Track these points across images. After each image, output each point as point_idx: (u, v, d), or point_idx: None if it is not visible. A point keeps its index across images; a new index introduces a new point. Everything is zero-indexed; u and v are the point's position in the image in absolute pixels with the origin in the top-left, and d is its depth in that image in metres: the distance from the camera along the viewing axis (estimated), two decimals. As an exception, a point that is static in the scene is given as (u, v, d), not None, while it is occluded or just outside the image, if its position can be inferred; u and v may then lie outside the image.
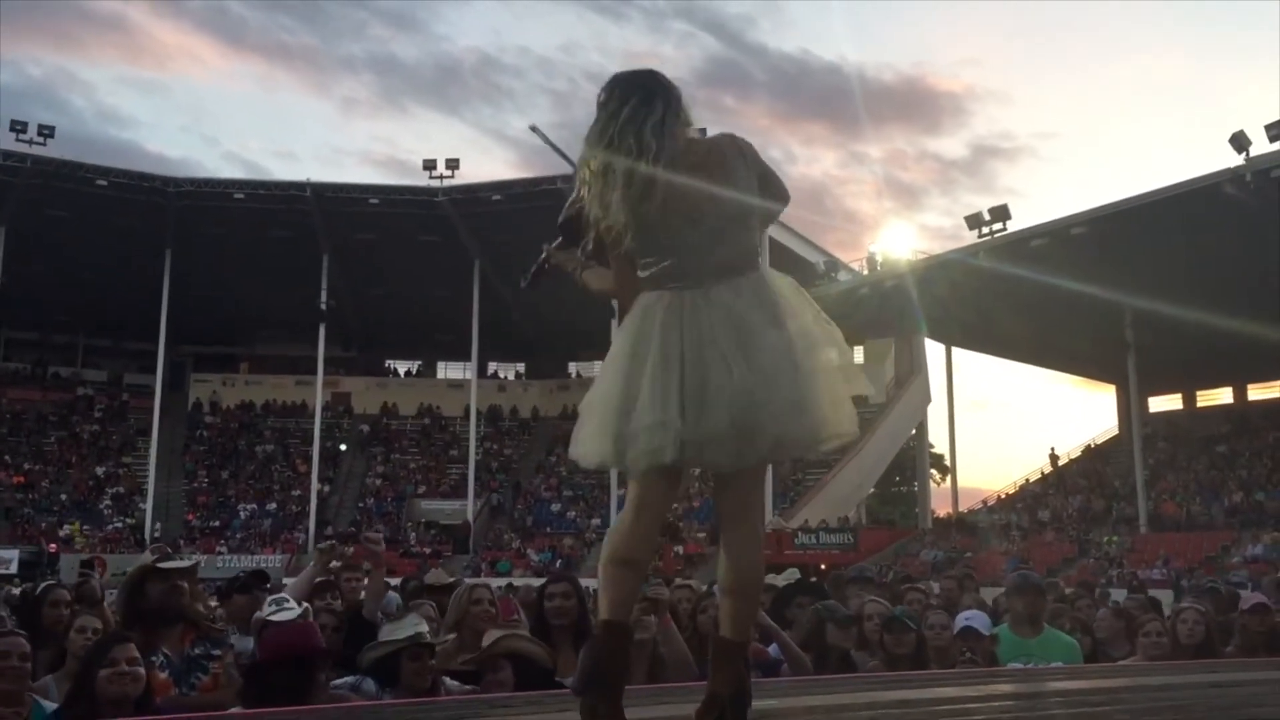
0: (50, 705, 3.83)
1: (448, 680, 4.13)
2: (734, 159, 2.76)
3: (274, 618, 3.88)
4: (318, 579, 5.38)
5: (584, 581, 5.63)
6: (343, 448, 49.48)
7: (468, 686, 4.18)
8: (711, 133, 2.92)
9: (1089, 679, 4.34)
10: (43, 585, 4.59)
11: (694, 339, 2.63)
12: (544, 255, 3.18)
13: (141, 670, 3.58)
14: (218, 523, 43.87)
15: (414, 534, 43.94)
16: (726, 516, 2.79)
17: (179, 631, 4.13)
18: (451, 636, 4.60)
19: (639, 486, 2.71)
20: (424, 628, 4.30)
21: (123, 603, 4.23)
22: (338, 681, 4.09)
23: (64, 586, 5.86)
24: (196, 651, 4.13)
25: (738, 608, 2.75)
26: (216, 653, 4.16)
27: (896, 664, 5.04)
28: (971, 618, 5.44)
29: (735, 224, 2.75)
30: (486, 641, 4.18)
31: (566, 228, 3.01)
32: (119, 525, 41.99)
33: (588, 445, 2.75)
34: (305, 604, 4.19)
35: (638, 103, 2.73)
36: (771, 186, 2.84)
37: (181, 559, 4.63)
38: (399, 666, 4.04)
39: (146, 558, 4.47)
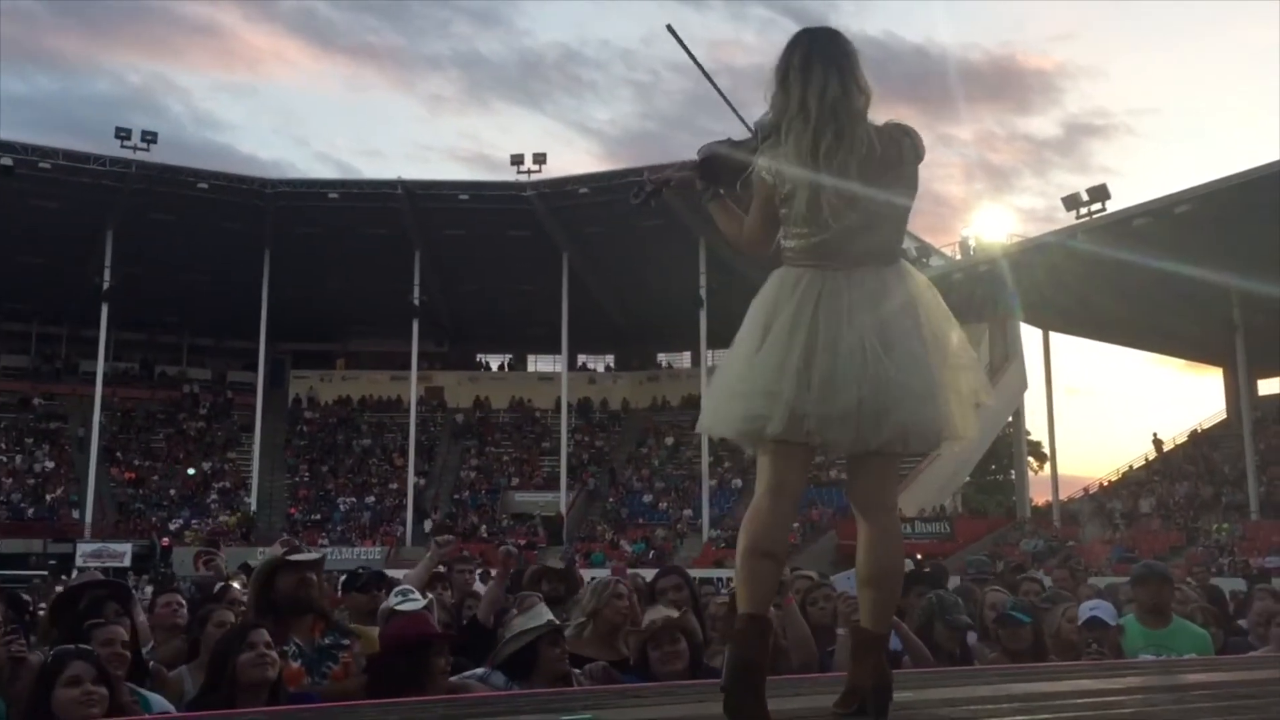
0: (156, 698, 3.88)
1: (577, 672, 4.13)
2: (909, 154, 2.77)
3: (401, 607, 3.92)
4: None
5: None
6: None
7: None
8: None
9: (1229, 671, 4.19)
10: (206, 608, 4.65)
11: (831, 317, 2.63)
12: (669, 175, 3.07)
13: (276, 655, 3.65)
14: (319, 516, 44.84)
15: (508, 525, 44.45)
16: (863, 506, 2.77)
17: (309, 622, 4.19)
18: (583, 620, 4.61)
19: (771, 465, 2.69)
20: (551, 616, 4.33)
21: (254, 594, 4.32)
22: (465, 674, 4.12)
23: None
24: (327, 641, 4.18)
25: (877, 598, 2.73)
26: (346, 643, 4.21)
27: (1017, 657, 4.93)
28: (1097, 607, 5.28)
29: (893, 217, 2.77)
30: (651, 618, 4.16)
31: (708, 165, 2.93)
32: (225, 519, 43.12)
33: (715, 417, 2.77)
34: (430, 595, 4.24)
35: (847, 66, 2.74)
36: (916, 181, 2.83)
37: (310, 551, 4.72)
38: (535, 656, 4.05)
39: (276, 550, 4.56)
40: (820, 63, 2.73)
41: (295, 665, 4.06)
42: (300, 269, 44.04)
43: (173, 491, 44.86)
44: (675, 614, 4.27)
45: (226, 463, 47.24)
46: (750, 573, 2.64)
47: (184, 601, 5.55)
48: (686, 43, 2.99)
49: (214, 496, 45.01)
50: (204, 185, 41.41)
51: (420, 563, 5.74)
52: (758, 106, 2.86)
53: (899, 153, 2.74)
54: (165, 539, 39.43)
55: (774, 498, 2.68)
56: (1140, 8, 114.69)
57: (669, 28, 2.97)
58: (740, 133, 2.95)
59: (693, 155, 2.96)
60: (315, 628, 4.23)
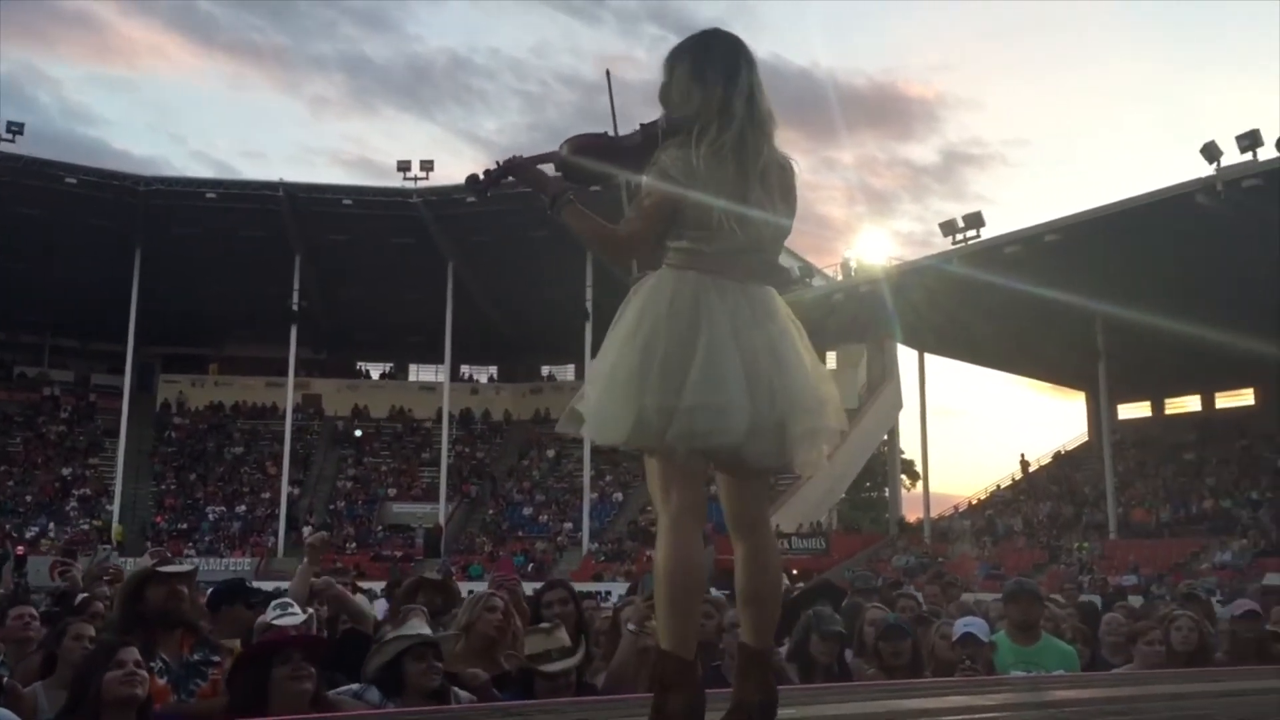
0: (7, 714, 3.58)
1: (458, 690, 4.05)
2: (796, 175, 2.78)
3: (278, 621, 3.79)
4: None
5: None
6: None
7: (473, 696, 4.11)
8: None
9: (1097, 688, 4.32)
10: (63, 622, 4.41)
11: (742, 328, 2.56)
12: (519, 162, 2.81)
13: (146, 673, 3.49)
14: (185, 525, 43.41)
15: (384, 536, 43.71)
16: (741, 524, 2.70)
17: (178, 637, 4.04)
18: (454, 634, 4.52)
19: (676, 475, 2.56)
20: (426, 629, 4.24)
21: (121, 607, 4.13)
22: (340, 690, 4.01)
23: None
24: (196, 657, 4.04)
25: (760, 614, 2.68)
26: (216, 659, 4.07)
27: (894, 673, 5.02)
28: (971, 624, 5.42)
29: (782, 238, 2.75)
30: (534, 649, 4.08)
31: (577, 155, 2.73)
32: (85, 527, 41.41)
33: (611, 422, 2.53)
34: (310, 610, 4.11)
35: (753, 74, 2.70)
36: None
37: (181, 563, 4.54)
38: (404, 670, 3.95)
39: (146, 562, 4.37)
40: (745, 69, 2.69)
41: (162, 682, 3.90)
42: (174, 270, 42.60)
43: (29, 497, 42.91)
44: (566, 640, 4.20)
45: (88, 469, 45.36)
46: (680, 610, 2.54)
47: (36, 614, 5.31)
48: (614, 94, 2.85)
49: (74, 504, 43.18)
50: (73, 180, 39.79)
51: (298, 571, 5.55)
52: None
53: (790, 178, 2.74)
54: (20, 547, 37.63)
55: (693, 519, 2.57)
56: (1014, 42, 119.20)
57: (608, 74, 2.86)
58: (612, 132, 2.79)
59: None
60: (184, 643, 4.08)
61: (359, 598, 5.62)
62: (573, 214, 2.68)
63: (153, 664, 3.85)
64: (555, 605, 4.84)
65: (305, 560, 5.45)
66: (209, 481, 46.35)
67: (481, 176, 2.85)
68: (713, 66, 2.67)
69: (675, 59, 2.72)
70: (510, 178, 2.82)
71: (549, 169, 2.79)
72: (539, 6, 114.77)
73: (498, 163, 2.83)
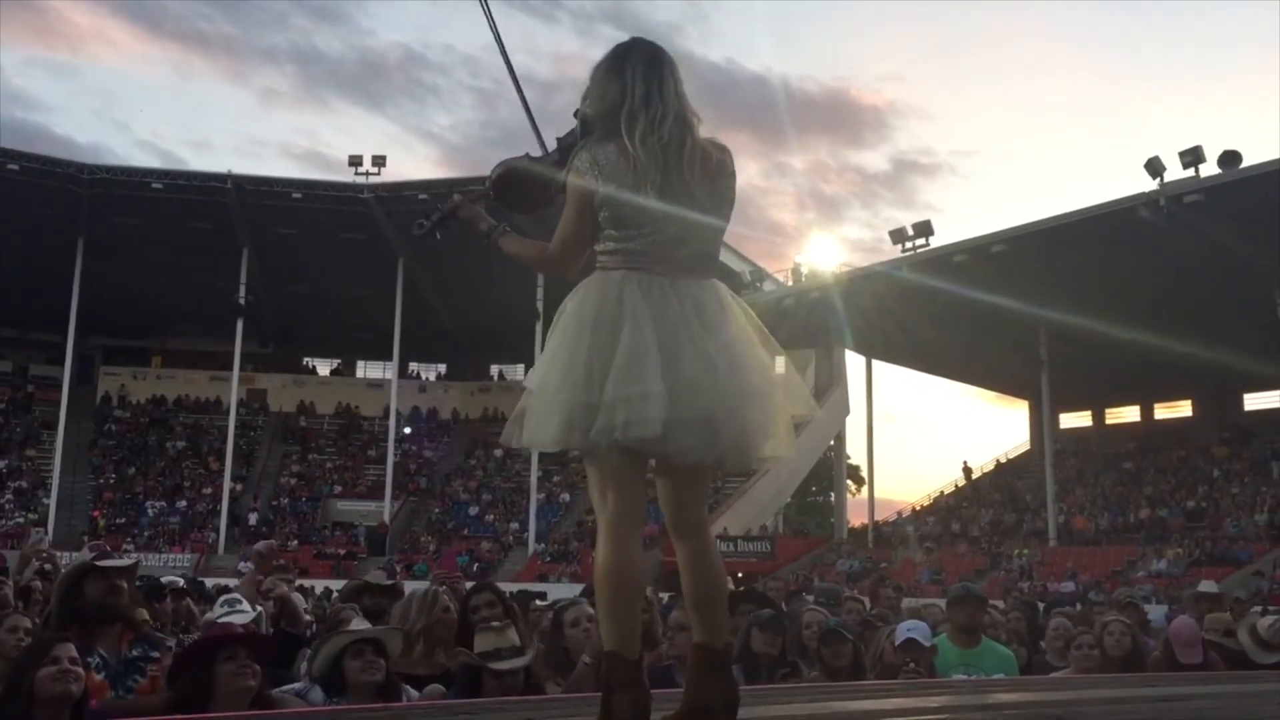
0: None
1: (409, 689, 4.02)
2: (727, 168, 2.75)
3: (226, 619, 3.75)
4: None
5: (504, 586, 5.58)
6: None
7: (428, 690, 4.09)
8: None
9: (1035, 691, 4.39)
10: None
11: (666, 323, 2.56)
12: (455, 204, 2.94)
13: (81, 670, 3.42)
14: (124, 520, 42.69)
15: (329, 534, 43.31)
16: (683, 527, 2.69)
17: (117, 632, 3.97)
18: (396, 628, 4.48)
19: (610, 478, 2.58)
20: (364, 625, 4.22)
21: (59, 601, 4.05)
22: (284, 689, 3.97)
23: None
24: (135, 653, 3.97)
25: (713, 615, 2.66)
26: (155, 655, 4.00)
27: (835, 675, 5.06)
28: (914, 628, 5.48)
29: (713, 228, 2.72)
30: (484, 647, 4.06)
31: (503, 185, 2.81)
32: (20, 520, 40.61)
33: (542, 428, 2.55)
34: (260, 608, 4.07)
35: (675, 73, 2.71)
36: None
37: (121, 557, 4.46)
38: (342, 670, 3.91)
39: (85, 555, 4.30)
40: (666, 66, 2.70)
41: (99, 678, 3.84)
42: (117, 261, 41.80)
43: (-37, 489, 42.04)
44: (517, 640, 4.18)
45: (25, 461, 44.48)
46: (623, 614, 2.55)
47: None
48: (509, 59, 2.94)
49: (9, 496, 42.32)
50: (14, 166, 38.98)
51: (243, 580, 5.44)
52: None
53: (720, 166, 2.71)
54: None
55: (630, 522, 2.59)
56: (965, 54, 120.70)
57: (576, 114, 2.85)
58: (537, 151, 2.85)
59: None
60: (123, 638, 4.01)
61: (295, 596, 5.53)
62: (508, 243, 2.78)
63: (90, 660, 3.78)
64: (483, 609, 4.76)
65: (252, 567, 5.38)
66: (149, 476, 45.62)
67: (426, 223, 2.99)
68: (631, 64, 2.68)
69: (597, 66, 2.75)
70: (448, 221, 2.95)
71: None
72: (495, 4, 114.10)
73: (438, 206, 2.98)
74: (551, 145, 2.84)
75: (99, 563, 4.12)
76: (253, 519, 43.16)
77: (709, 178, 2.67)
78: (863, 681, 4.79)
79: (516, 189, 2.80)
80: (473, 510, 45.04)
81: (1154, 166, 29.54)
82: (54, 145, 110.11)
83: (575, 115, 2.76)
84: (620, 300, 2.57)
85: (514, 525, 43.29)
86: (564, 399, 2.52)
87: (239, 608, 3.96)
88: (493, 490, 46.22)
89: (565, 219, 2.67)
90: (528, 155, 2.81)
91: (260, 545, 5.46)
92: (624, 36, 2.79)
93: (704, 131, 2.72)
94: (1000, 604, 8.45)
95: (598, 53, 2.78)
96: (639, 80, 2.64)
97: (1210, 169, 29.11)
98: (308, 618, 5.63)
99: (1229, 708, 3.84)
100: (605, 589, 2.55)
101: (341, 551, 40.63)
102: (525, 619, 5.56)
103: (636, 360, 2.50)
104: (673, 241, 2.62)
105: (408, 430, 49.04)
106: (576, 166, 2.63)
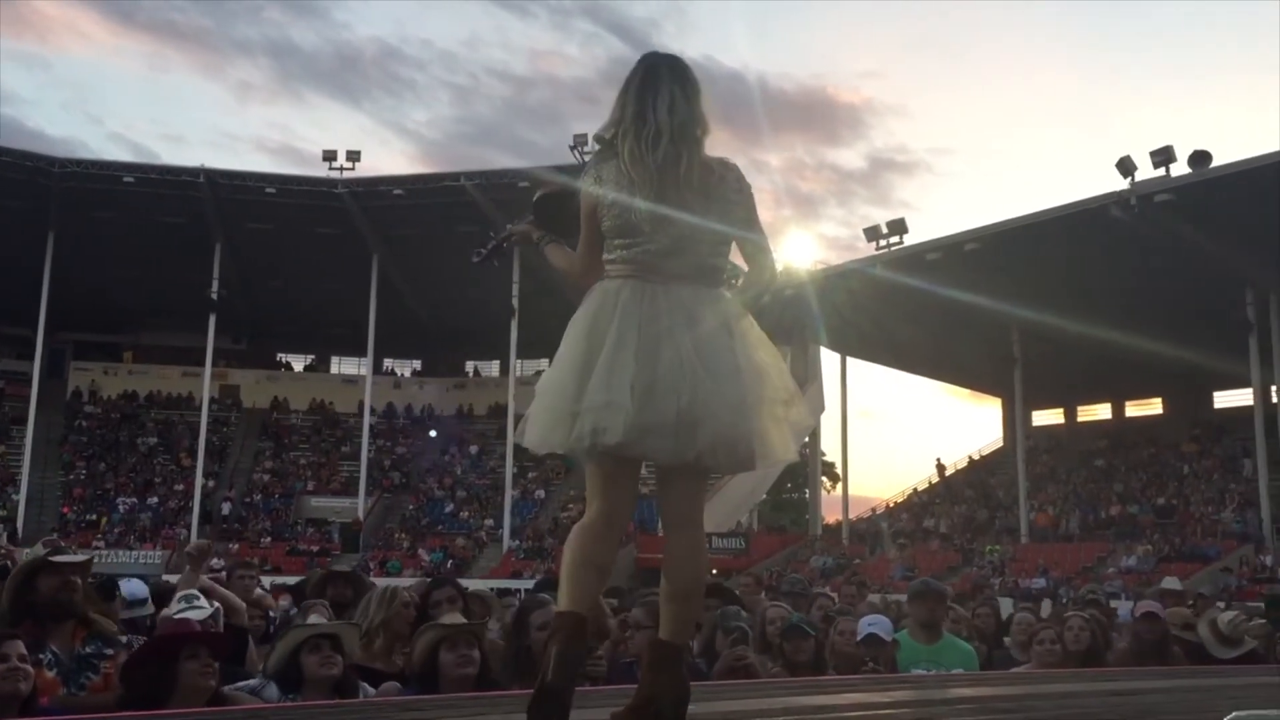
0: None
1: (366, 685, 4.00)
2: (732, 185, 2.81)
3: (184, 615, 3.71)
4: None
5: (472, 583, 5.54)
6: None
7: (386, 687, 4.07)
8: None
9: (993, 686, 4.42)
10: None
11: (651, 327, 2.66)
12: (507, 232, 3.22)
13: (30, 668, 3.39)
14: (94, 516, 42.34)
15: (301, 531, 43.12)
16: (672, 521, 2.80)
17: (70, 629, 3.93)
18: (354, 623, 4.46)
19: (598, 479, 2.73)
20: (322, 620, 4.19)
21: (10, 597, 4.00)
22: (237, 685, 3.93)
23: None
24: (88, 650, 3.92)
25: (682, 611, 2.76)
26: (109, 652, 3.96)
27: (797, 670, 5.08)
28: (875, 624, 5.50)
29: (709, 241, 2.79)
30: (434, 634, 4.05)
31: (541, 205, 3.03)
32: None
33: (536, 431, 2.72)
34: (216, 604, 4.03)
35: (693, 93, 2.82)
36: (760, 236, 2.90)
37: (75, 553, 4.42)
38: (302, 664, 3.89)
39: (38, 550, 4.25)
40: (667, 80, 2.80)
41: (51, 675, 3.80)
42: (88, 255, 41.46)
43: (-69, 486, 41.60)
44: (462, 620, 4.19)
45: (-6, 457, 44.10)
46: (575, 580, 2.69)
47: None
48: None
49: (-23, 492, 41.95)
50: (-17, 159, 38.65)
51: (180, 580, 5.25)
52: (580, 121, 2.91)
53: (720, 181, 2.78)
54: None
55: (607, 520, 2.73)
56: (941, 53, 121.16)
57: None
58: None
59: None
60: (77, 635, 3.97)
61: (225, 592, 5.39)
62: (551, 251, 2.98)
63: (42, 656, 3.75)
64: (444, 604, 4.74)
65: (188, 569, 5.18)
66: (120, 472, 45.27)
67: (484, 250, 3.38)
68: (630, 83, 2.82)
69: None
70: (501, 247, 3.35)
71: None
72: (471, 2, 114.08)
73: (491, 235, 3.36)
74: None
75: (52, 558, 4.07)
76: (225, 508, 43.00)
77: (705, 193, 2.75)
78: (822, 676, 4.81)
79: (552, 210, 3.01)
80: (447, 507, 44.93)
81: (1125, 166, 29.79)
82: (25, 138, 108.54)
83: (594, 138, 2.95)
84: (615, 306, 2.69)
85: (489, 522, 43.21)
86: (548, 404, 2.69)
87: (196, 603, 3.92)
88: (467, 487, 46.12)
89: (581, 235, 2.85)
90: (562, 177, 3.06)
91: (191, 546, 5.31)
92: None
93: (712, 143, 2.82)
94: (958, 607, 8.50)
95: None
96: (632, 99, 2.77)
97: (1181, 169, 29.42)
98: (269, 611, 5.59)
99: (1181, 702, 3.87)
100: (566, 560, 2.72)
101: (315, 548, 40.43)
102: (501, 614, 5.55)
103: (610, 369, 2.62)
104: (666, 252, 2.72)
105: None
106: (583, 178, 2.82)
